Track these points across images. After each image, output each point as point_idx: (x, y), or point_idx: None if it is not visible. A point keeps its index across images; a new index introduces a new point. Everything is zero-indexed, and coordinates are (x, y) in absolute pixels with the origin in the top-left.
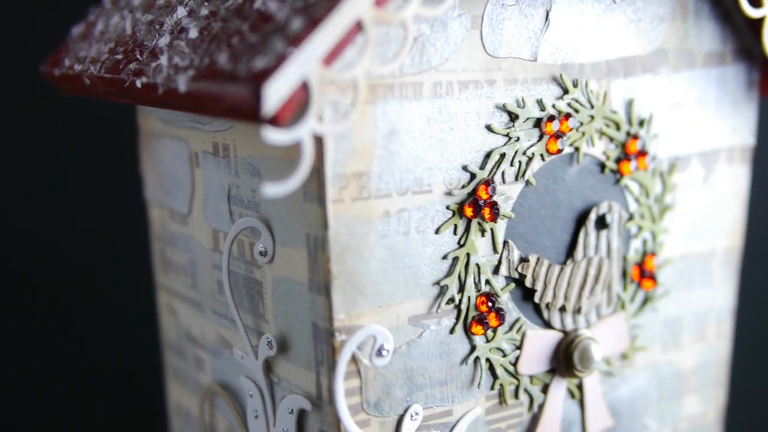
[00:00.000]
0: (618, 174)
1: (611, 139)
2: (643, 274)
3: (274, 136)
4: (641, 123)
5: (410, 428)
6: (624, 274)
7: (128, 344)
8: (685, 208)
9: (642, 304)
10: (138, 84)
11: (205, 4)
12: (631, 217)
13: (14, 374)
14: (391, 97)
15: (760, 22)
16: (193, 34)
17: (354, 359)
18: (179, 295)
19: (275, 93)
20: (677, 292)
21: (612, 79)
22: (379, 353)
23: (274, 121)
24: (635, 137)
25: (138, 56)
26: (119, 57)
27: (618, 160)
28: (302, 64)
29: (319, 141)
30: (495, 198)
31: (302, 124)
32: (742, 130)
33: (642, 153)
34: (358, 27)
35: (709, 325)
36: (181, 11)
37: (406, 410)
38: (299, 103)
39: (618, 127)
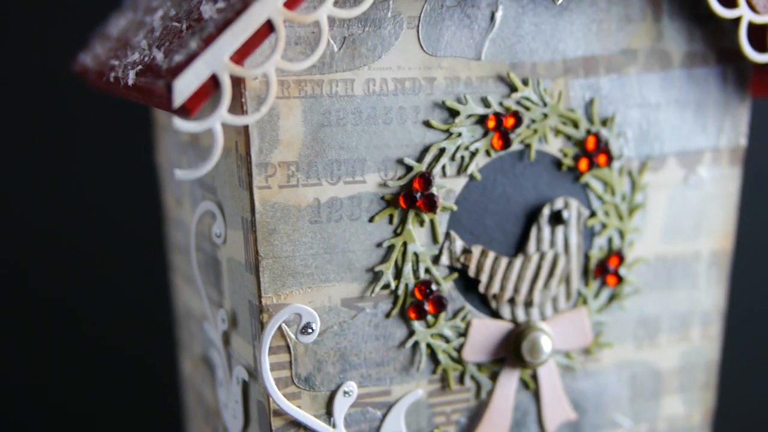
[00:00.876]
0: (577, 171)
1: (569, 137)
2: (607, 271)
3: (183, 125)
4: (604, 122)
5: (344, 404)
6: (586, 270)
7: (151, 322)
8: (661, 208)
9: (608, 301)
10: (111, 78)
11: (174, 6)
12: (593, 215)
13: (43, 358)
14: (319, 92)
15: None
16: (157, 33)
17: (283, 335)
18: (182, 273)
19: (184, 87)
20: (653, 292)
21: (570, 78)
22: (305, 331)
23: (187, 112)
24: (596, 136)
25: (118, 53)
26: (111, 54)
27: (576, 158)
28: (210, 62)
29: (246, 131)
30: (433, 190)
31: (214, 115)
32: (731, 131)
33: (603, 151)
34: (270, 27)
35: (693, 327)
36: (159, 14)
37: (339, 386)
38: (210, 96)
39: (576, 126)
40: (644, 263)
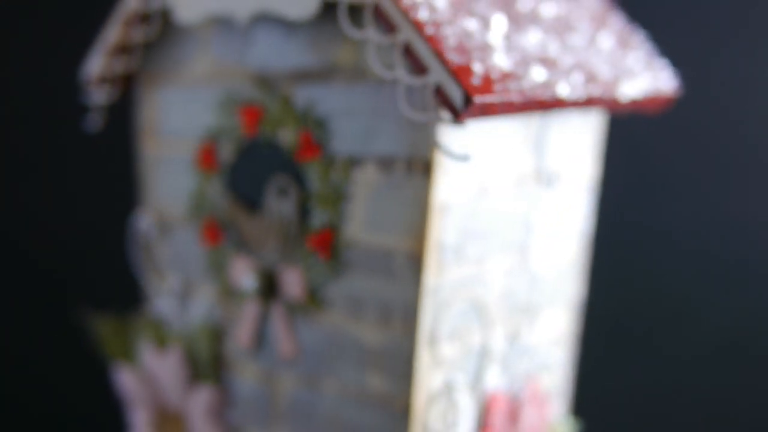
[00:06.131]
0: (298, 160)
1: (293, 133)
2: (307, 243)
3: (91, 96)
4: (316, 123)
5: (173, 283)
6: (300, 239)
7: None
8: (362, 202)
9: (312, 268)
10: None
11: None
12: (306, 196)
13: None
14: (158, 84)
15: None
16: None
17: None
18: None
19: (87, 73)
20: (357, 274)
21: (294, 85)
22: (147, 234)
23: (99, 87)
24: (308, 133)
25: None
26: None
27: (296, 150)
28: (94, 59)
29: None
30: (217, 157)
31: (98, 93)
32: (421, 145)
33: (314, 147)
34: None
35: (396, 318)
36: None
37: (168, 274)
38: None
39: (297, 124)
40: (352, 247)
